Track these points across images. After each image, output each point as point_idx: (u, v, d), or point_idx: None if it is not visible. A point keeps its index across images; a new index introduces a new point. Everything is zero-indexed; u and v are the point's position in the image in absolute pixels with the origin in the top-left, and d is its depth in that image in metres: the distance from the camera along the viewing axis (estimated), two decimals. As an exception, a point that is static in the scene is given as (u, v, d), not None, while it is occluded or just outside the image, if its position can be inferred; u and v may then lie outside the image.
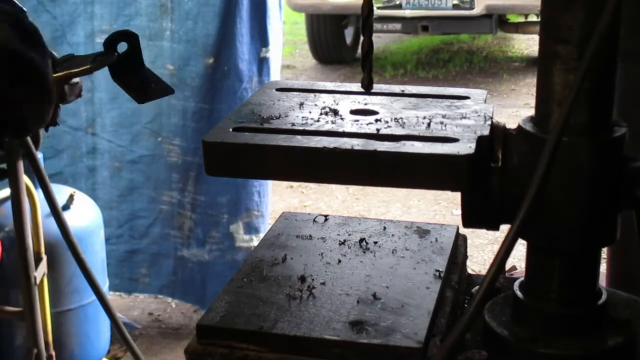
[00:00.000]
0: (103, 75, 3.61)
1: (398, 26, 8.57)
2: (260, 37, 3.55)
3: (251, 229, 3.74)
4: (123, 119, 3.74)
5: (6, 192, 2.75)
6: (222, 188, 3.68)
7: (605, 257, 2.44)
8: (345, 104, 1.39)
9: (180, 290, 3.97)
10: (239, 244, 3.75)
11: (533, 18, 8.78)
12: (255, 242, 3.71)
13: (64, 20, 3.62)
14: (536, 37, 2.42)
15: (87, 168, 3.83)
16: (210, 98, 3.64)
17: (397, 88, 1.50)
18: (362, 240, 1.50)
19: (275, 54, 3.63)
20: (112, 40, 1.30)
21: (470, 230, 1.32)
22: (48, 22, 3.59)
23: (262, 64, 3.58)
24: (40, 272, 2.75)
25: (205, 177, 3.67)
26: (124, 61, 1.31)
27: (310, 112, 1.35)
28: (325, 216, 1.60)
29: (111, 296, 3.98)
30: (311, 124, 1.29)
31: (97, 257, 3.34)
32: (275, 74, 3.65)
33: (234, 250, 3.76)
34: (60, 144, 3.76)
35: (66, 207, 3.14)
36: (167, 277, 3.93)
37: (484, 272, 1.39)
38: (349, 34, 9.62)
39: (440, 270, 1.38)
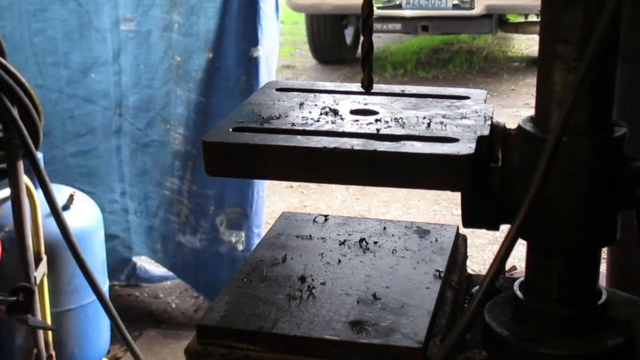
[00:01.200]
0: (129, 60, 3.89)
1: (398, 26, 8.56)
2: (251, 36, 3.60)
3: (233, 225, 3.82)
4: (142, 103, 3.93)
5: (6, 192, 2.75)
6: (210, 180, 3.76)
7: (605, 257, 2.44)
8: (345, 104, 1.39)
9: (180, 273, 4.16)
10: (221, 237, 3.86)
11: (533, 18, 8.77)
12: (234, 238, 3.81)
13: (90, 7, 3.77)
14: (536, 37, 2.42)
15: (115, 146, 4.05)
16: (208, 92, 3.75)
17: (397, 88, 1.50)
18: (362, 240, 1.50)
19: (269, 54, 3.68)
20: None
21: (470, 230, 1.32)
22: (75, 9, 3.76)
23: (251, 63, 3.62)
24: (40, 272, 2.74)
25: (200, 167, 3.79)
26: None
27: (310, 112, 1.35)
28: (325, 216, 1.60)
29: (141, 259, 4.36)
30: (311, 124, 1.29)
31: (97, 257, 3.35)
32: (268, 74, 3.70)
33: (219, 242, 3.87)
34: (94, 122, 4.01)
35: (66, 207, 3.15)
36: (173, 258, 4.12)
37: (484, 272, 1.39)
38: (349, 34, 9.62)
39: (440, 270, 1.38)
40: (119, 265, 4.21)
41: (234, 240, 3.81)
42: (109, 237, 4.02)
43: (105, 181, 4.06)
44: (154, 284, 4.40)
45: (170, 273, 4.30)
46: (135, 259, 4.27)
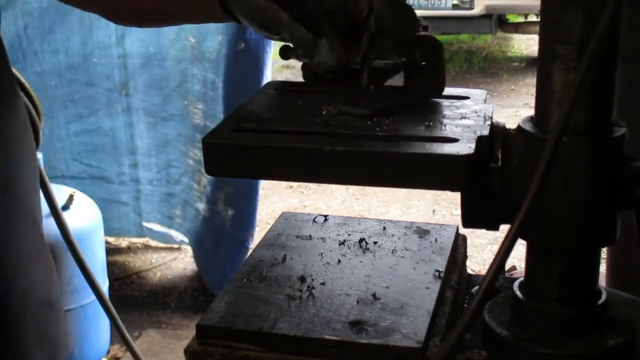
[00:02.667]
0: (134, 43, 4.04)
1: (398, 26, 8.55)
2: (239, 29, 3.71)
3: (228, 201, 4.02)
4: (153, 82, 4.15)
5: (6, 192, 2.74)
6: None
7: (605, 257, 2.44)
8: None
9: (194, 238, 4.41)
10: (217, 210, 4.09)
11: (533, 18, 8.78)
12: (221, 205, 4.02)
13: None
14: (536, 37, 2.42)
15: (125, 122, 4.29)
16: (220, 72, 3.91)
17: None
18: (361, 240, 1.50)
19: (257, 49, 3.75)
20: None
21: (470, 230, 1.32)
22: None
23: (239, 55, 3.76)
24: (40, 272, 2.74)
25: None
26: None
27: (309, 112, 1.35)
28: (325, 216, 1.60)
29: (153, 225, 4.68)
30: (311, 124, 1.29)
31: (97, 257, 3.35)
32: (252, 69, 3.76)
33: (217, 215, 4.08)
34: (97, 104, 4.27)
35: (66, 207, 3.15)
36: (190, 222, 4.37)
37: (484, 272, 1.39)
38: (349, 34, 9.61)
39: (440, 270, 1.38)
40: (130, 226, 4.55)
41: (218, 209, 4.05)
42: (120, 204, 4.46)
43: (112, 156, 4.35)
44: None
45: (178, 239, 4.57)
46: (145, 224, 4.58)
